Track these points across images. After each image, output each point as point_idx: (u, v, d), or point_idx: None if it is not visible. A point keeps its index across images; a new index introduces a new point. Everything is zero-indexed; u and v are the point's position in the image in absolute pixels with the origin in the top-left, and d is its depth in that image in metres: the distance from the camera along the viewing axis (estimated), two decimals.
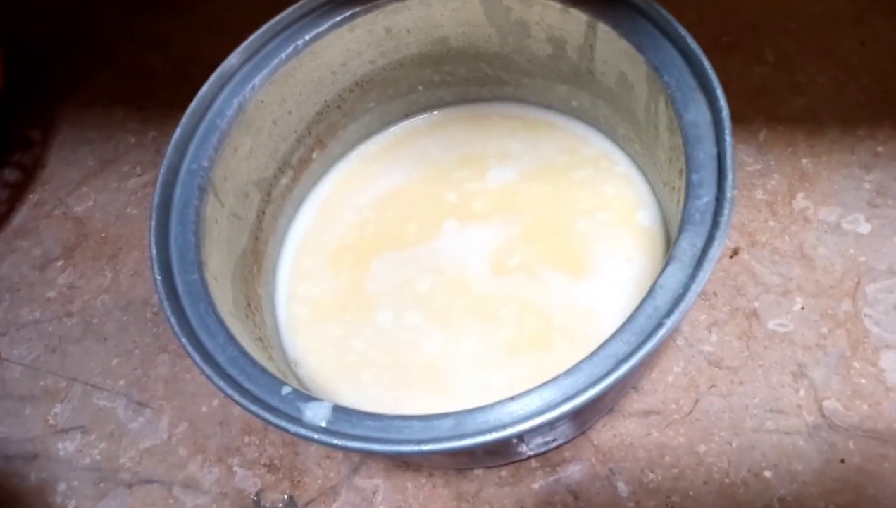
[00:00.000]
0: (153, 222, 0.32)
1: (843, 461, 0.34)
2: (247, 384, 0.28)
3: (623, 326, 0.27)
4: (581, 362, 0.26)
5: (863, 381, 0.35)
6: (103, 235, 0.48)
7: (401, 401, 0.36)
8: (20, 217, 0.51)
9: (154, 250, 0.32)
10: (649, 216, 0.38)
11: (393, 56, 0.40)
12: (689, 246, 0.28)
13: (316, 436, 0.26)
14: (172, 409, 0.41)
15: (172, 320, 0.30)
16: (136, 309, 0.45)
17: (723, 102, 0.30)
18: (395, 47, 0.40)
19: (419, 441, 0.26)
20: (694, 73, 0.31)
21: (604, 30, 0.34)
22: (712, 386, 0.36)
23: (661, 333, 0.26)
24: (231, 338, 0.30)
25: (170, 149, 0.34)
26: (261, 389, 0.28)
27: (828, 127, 0.42)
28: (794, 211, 0.40)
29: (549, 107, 0.43)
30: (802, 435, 0.34)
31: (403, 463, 0.37)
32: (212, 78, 0.36)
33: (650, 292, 0.27)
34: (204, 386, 0.41)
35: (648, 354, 0.26)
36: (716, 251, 0.27)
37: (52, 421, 0.42)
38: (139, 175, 0.50)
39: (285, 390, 0.28)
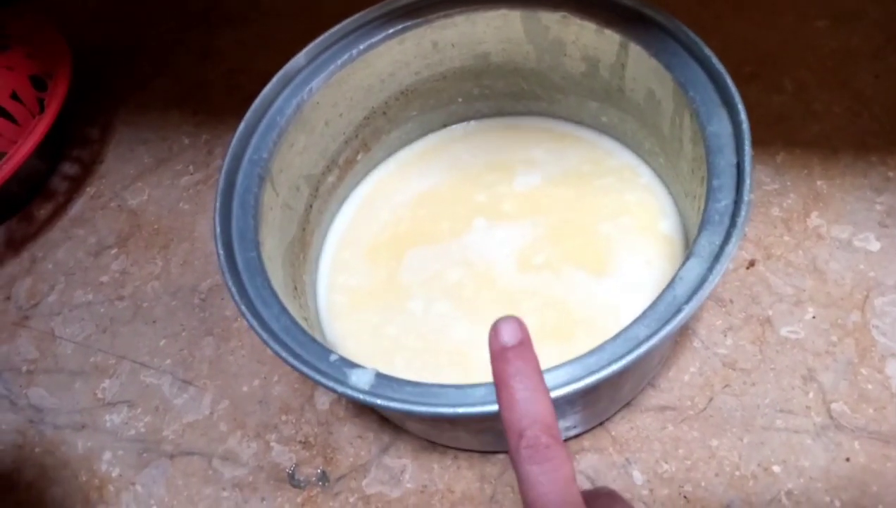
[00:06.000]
0: (218, 204, 0.35)
1: (848, 459, 0.36)
2: (298, 350, 0.31)
3: (644, 313, 0.29)
4: (604, 343, 0.29)
5: (869, 387, 0.37)
6: (156, 226, 0.52)
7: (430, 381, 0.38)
8: (77, 208, 0.54)
9: (218, 229, 0.35)
10: (670, 226, 0.41)
11: (437, 68, 0.43)
12: (707, 243, 0.30)
13: (361, 397, 0.29)
14: (215, 387, 0.44)
15: (233, 289, 0.33)
16: (185, 295, 0.48)
17: (743, 116, 0.32)
18: (439, 60, 0.43)
19: (454, 405, 0.28)
20: (717, 89, 0.34)
21: (635, 49, 0.37)
22: (726, 386, 0.38)
23: (680, 317, 0.28)
24: (284, 309, 0.32)
25: (234, 140, 0.37)
26: (311, 355, 0.31)
27: (842, 152, 0.44)
28: (808, 228, 0.42)
29: (579, 122, 0.46)
30: (810, 434, 0.36)
31: (430, 444, 0.39)
32: (274, 78, 0.39)
33: (670, 284, 0.30)
34: (245, 367, 0.44)
35: (667, 336, 0.28)
36: (732, 248, 0.29)
37: (100, 395, 0.45)
38: (191, 173, 0.53)
39: (333, 357, 0.31)
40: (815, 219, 0.42)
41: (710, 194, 0.32)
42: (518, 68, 0.43)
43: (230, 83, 0.58)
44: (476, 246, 0.42)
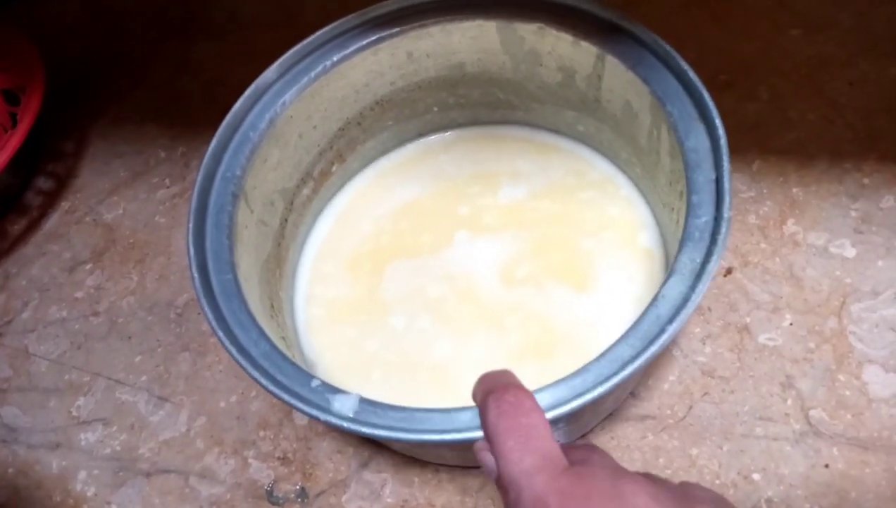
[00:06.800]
0: (191, 225, 0.35)
1: (827, 466, 0.36)
2: (279, 377, 0.30)
3: (628, 332, 0.29)
4: (589, 363, 0.28)
5: (847, 393, 0.37)
6: (131, 241, 0.51)
7: (410, 400, 0.37)
8: (52, 222, 0.53)
9: (192, 251, 0.34)
10: (649, 238, 0.41)
11: (412, 78, 0.43)
12: (689, 261, 0.30)
13: (346, 425, 0.28)
14: (192, 404, 0.43)
15: (210, 315, 0.32)
16: (161, 310, 0.47)
17: (721, 131, 0.32)
18: (414, 70, 0.43)
19: (441, 431, 0.28)
20: (695, 103, 0.34)
21: (612, 62, 0.37)
22: (705, 394, 0.38)
23: (664, 338, 0.28)
24: (263, 334, 0.32)
25: (206, 157, 0.37)
26: (292, 381, 0.30)
27: (817, 159, 0.45)
28: (784, 235, 0.42)
29: (556, 131, 0.46)
30: (789, 441, 0.36)
31: (412, 459, 0.39)
32: (246, 93, 0.39)
33: (653, 302, 0.29)
34: (223, 382, 0.43)
35: (652, 357, 0.28)
36: (714, 265, 0.29)
37: (75, 413, 0.44)
38: (167, 187, 0.53)
39: (314, 382, 0.30)
40: (791, 226, 0.43)
41: (689, 209, 0.31)
42: (494, 78, 0.43)
43: (207, 95, 0.58)
44: (458, 260, 0.42)
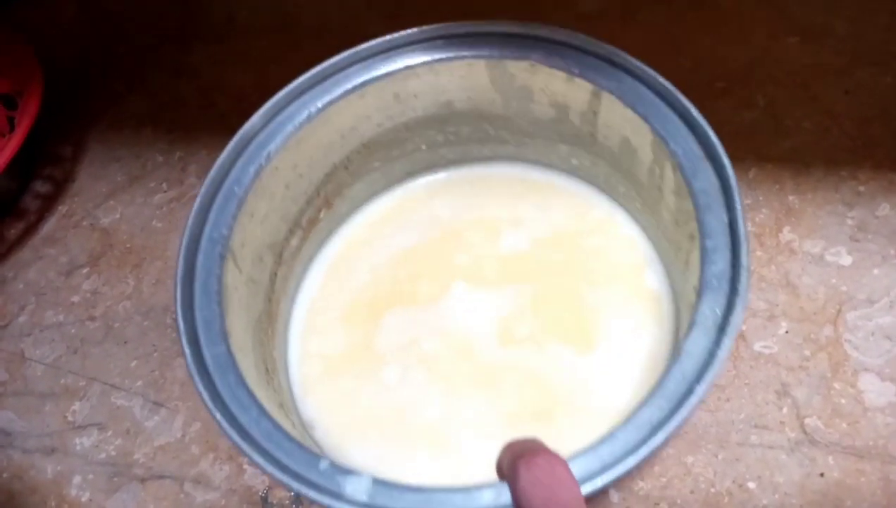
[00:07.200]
0: (178, 294, 0.33)
1: (822, 475, 0.36)
2: (285, 460, 0.29)
3: (654, 392, 0.28)
4: (616, 430, 0.27)
5: (842, 401, 0.37)
6: (128, 245, 0.51)
7: (405, 462, 0.36)
8: (49, 227, 0.53)
9: (182, 324, 0.32)
10: (655, 277, 0.39)
11: (399, 119, 0.42)
12: (710, 312, 0.29)
13: None
14: (187, 409, 0.43)
15: (205, 395, 0.30)
16: (157, 315, 0.47)
17: (730, 171, 0.32)
18: (401, 111, 0.41)
19: None
20: (700, 142, 0.33)
21: (608, 98, 0.36)
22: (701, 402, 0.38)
23: (693, 399, 0.27)
24: (263, 411, 0.30)
25: (191, 218, 0.35)
26: (299, 464, 0.29)
27: (813, 167, 0.45)
28: (780, 243, 0.43)
29: (549, 165, 0.44)
30: (785, 450, 0.36)
31: None
32: (229, 146, 0.37)
33: (677, 358, 0.28)
34: None
35: (682, 421, 0.27)
36: (738, 318, 0.28)
37: (70, 418, 0.44)
38: (165, 191, 0.53)
39: (323, 464, 0.29)
40: (787, 234, 0.43)
41: (704, 255, 0.31)
42: (484, 115, 0.42)
43: (205, 100, 0.58)
44: (455, 313, 0.40)
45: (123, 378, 0.45)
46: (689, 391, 0.27)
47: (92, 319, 0.48)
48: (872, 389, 0.37)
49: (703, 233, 0.31)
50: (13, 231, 0.54)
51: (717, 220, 0.31)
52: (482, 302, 0.40)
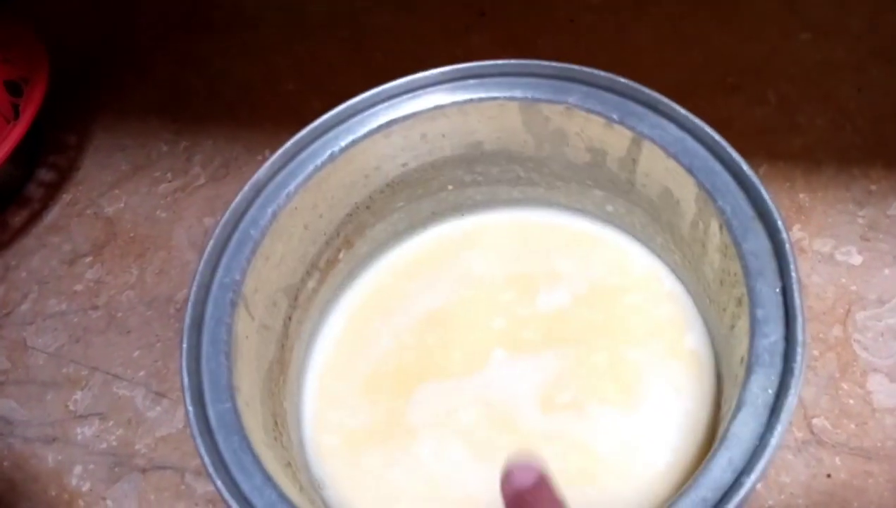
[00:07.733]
0: (185, 346, 0.31)
1: (829, 475, 0.35)
2: None
3: (697, 480, 0.26)
4: None
5: (851, 402, 0.37)
6: (132, 235, 0.51)
7: None
8: (53, 215, 0.53)
9: (186, 380, 0.30)
10: (696, 338, 0.37)
11: (426, 159, 0.40)
12: (760, 391, 0.27)
13: None
14: None
15: (207, 460, 0.28)
16: (160, 305, 0.47)
17: (785, 235, 0.29)
18: (428, 151, 0.39)
19: None
20: (750, 200, 0.31)
21: (650, 147, 0.34)
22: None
23: (742, 493, 0.25)
24: (268, 479, 0.28)
25: (202, 264, 0.33)
26: None
27: (825, 165, 0.44)
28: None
29: (581, 211, 0.42)
30: (791, 450, 0.36)
31: None
32: (245, 187, 0.35)
33: (723, 441, 0.26)
34: None
35: None
36: (792, 401, 0.26)
37: (72, 407, 0.44)
38: (169, 181, 0.53)
39: None
40: (797, 232, 0.42)
41: (754, 326, 0.28)
42: (514, 156, 0.40)
43: (211, 90, 0.58)
44: (494, 383, 0.37)
45: (126, 368, 0.45)
46: (737, 484, 0.25)
47: (95, 308, 0.48)
48: (881, 390, 0.37)
49: (752, 301, 0.28)
50: (17, 219, 0.54)
51: (768, 287, 0.29)
52: (523, 370, 0.38)
